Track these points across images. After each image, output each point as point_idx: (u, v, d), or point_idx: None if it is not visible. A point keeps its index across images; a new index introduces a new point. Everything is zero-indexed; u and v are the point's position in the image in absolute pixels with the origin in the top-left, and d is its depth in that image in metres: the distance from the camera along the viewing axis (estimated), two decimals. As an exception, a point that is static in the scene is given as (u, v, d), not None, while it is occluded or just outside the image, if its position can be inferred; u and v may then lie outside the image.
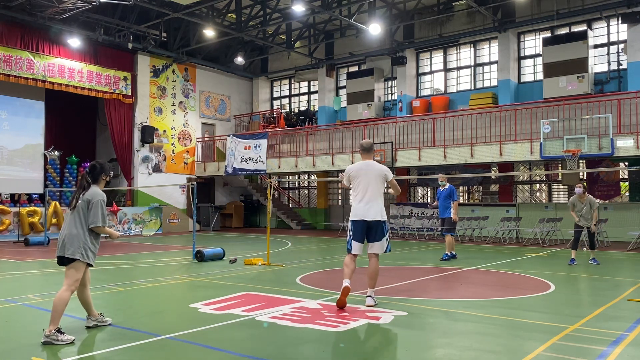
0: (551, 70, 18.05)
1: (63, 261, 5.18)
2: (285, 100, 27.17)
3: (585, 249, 11.77)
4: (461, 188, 21.51)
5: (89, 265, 5.27)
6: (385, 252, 6.56)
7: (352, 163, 19.28)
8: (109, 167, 5.53)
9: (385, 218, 6.51)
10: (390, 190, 6.88)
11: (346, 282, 6.25)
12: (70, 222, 5.20)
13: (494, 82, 20.40)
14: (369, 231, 6.48)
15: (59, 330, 4.91)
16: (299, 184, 26.52)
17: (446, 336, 5.20)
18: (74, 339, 4.93)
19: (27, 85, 18.91)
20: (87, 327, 5.43)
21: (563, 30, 19.03)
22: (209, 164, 23.75)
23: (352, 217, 6.56)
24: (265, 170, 20.84)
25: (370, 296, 6.46)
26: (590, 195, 10.73)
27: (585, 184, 11.56)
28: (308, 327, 5.43)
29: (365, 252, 6.67)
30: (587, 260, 10.95)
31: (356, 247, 6.50)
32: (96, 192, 5.26)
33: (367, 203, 6.43)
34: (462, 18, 20.93)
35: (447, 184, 11.54)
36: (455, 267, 10.37)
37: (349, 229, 6.62)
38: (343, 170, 7.00)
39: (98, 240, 5.32)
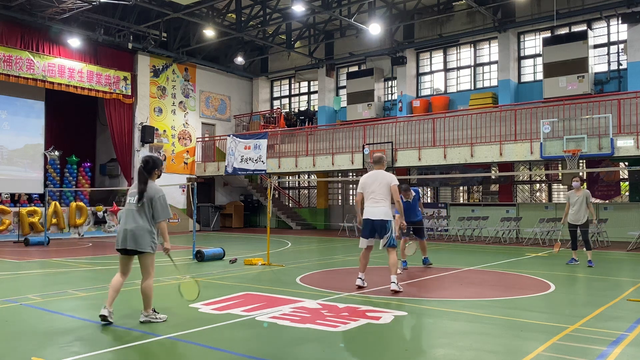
0: (551, 70, 18.05)
1: (129, 252, 5.57)
2: (285, 100, 27.17)
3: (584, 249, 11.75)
4: (461, 188, 21.53)
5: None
6: (390, 245, 7.58)
7: (352, 163, 19.47)
8: (161, 161, 5.88)
9: (389, 218, 7.59)
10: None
11: (361, 276, 7.78)
12: (136, 216, 5.54)
13: (494, 82, 20.40)
14: (376, 228, 7.61)
15: (154, 310, 5.60)
16: (299, 184, 26.52)
17: (446, 336, 5.20)
18: (167, 317, 5.63)
19: (27, 85, 18.91)
20: (101, 316, 5.49)
21: (563, 30, 19.03)
22: (209, 164, 23.75)
23: (363, 216, 7.75)
24: (265, 170, 20.84)
25: (393, 282, 7.43)
26: (586, 190, 10.64)
27: (581, 176, 11.50)
28: (308, 327, 5.43)
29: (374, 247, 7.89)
30: (585, 259, 10.92)
31: (363, 242, 7.77)
32: (157, 188, 5.64)
33: (374, 206, 7.60)
34: (462, 18, 20.93)
35: (413, 193, 10.90)
36: (455, 267, 10.37)
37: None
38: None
39: (158, 232, 5.73)
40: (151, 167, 5.65)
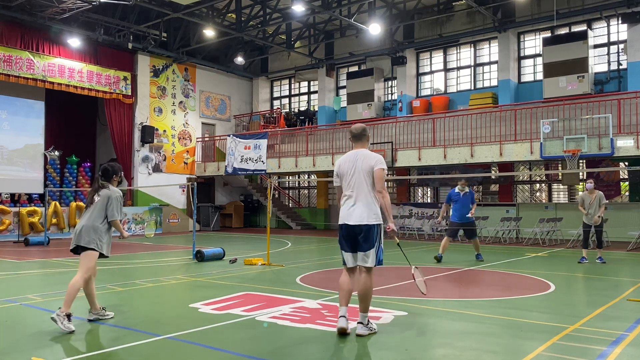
0: (551, 70, 18.05)
1: (78, 250, 5.62)
2: (285, 100, 27.17)
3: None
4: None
5: (102, 256, 5.70)
6: (376, 265, 5.17)
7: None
8: (119, 168, 6.03)
9: (375, 221, 5.12)
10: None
11: (342, 313, 5.11)
12: (88, 215, 5.64)
13: (494, 82, 20.40)
14: (355, 238, 5.16)
15: (68, 315, 5.24)
16: (299, 184, 26.52)
17: (446, 336, 5.20)
18: (74, 330, 5.20)
19: (27, 85, 18.91)
20: (89, 320, 5.61)
21: (563, 30, 19.04)
22: (209, 164, 23.75)
23: (339, 221, 5.30)
24: (265, 170, 20.84)
25: (361, 322, 5.14)
26: (600, 192, 10.91)
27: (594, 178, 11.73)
28: (308, 327, 5.44)
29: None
30: (594, 258, 11.08)
31: (346, 257, 5.25)
32: (114, 189, 5.79)
33: (352, 204, 5.19)
34: (462, 18, 20.93)
35: (468, 189, 11.28)
36: (455, 267, 10.37)
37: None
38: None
39: (110, 233, 5.82)
40: (110, 175, 5.86)
